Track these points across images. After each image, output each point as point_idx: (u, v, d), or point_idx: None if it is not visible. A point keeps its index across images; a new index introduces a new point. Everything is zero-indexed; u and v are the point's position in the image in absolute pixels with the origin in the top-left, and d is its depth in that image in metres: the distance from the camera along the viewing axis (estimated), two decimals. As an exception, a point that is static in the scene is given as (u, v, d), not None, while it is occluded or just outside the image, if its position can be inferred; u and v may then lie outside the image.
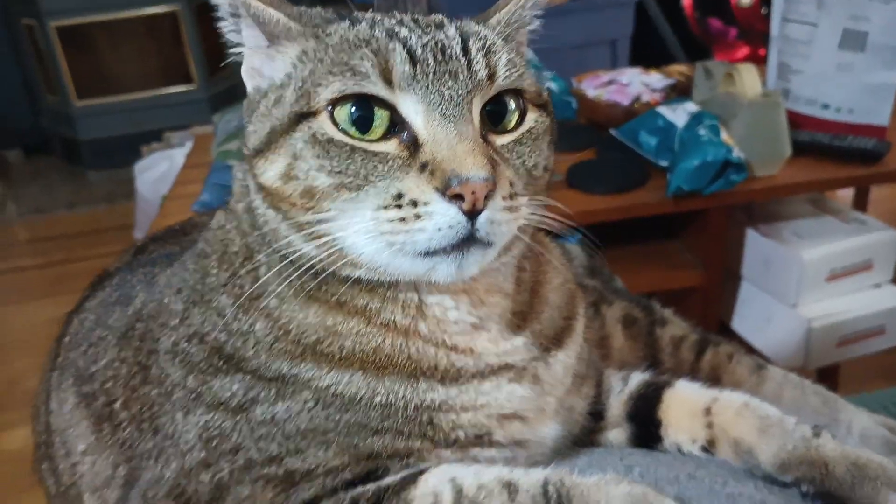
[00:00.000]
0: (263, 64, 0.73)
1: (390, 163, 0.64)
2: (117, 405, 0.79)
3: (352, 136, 0.65)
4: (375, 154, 0.65)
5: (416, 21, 0.71)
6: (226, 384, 0.70)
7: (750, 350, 1.16)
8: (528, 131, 0.72)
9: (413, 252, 0.64)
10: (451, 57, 0.66)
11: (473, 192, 0.62)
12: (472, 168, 0.62)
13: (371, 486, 0.67)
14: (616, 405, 0.87)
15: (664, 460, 0.76)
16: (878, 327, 2.14)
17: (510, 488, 0.65)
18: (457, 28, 0.70)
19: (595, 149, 2.10)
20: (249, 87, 0.75)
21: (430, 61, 0.66)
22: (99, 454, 0.79)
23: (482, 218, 0.63)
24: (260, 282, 0.72)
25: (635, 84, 2.28)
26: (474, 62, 0.67)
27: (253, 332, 0.71)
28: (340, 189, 0.64)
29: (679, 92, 2.27)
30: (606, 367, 0.92)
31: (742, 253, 2.17)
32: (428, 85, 0.65)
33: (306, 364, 0.70)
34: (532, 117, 0.73)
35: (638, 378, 0.89)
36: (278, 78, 0.71)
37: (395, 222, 0.63)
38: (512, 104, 0.71)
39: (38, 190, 4.83)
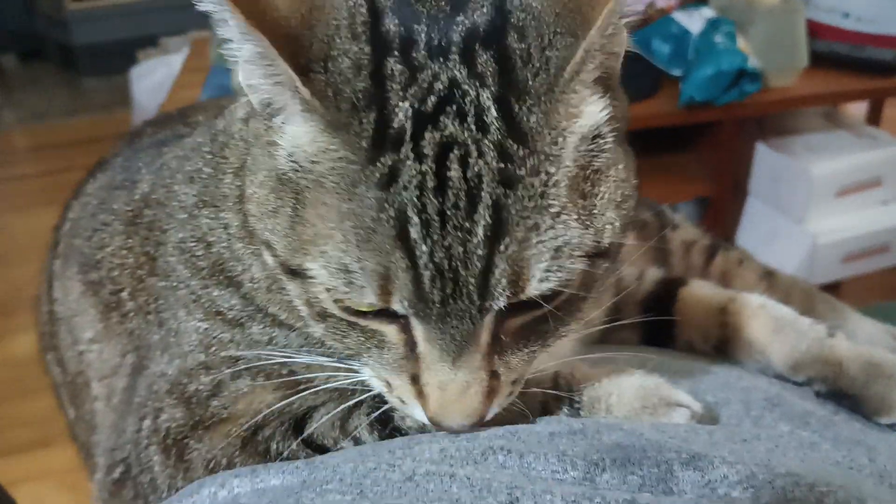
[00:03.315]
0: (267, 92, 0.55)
1: (385, 350, 0.56)
2: (124, 294, 0.77)
3: (350, 311, 0.54)
4: (373, 333, 0.56)
5: (442, 186, 0.49)
6: (224, 296, 0.68)
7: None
8: (562, 303, 0.55)
9: None
10: (462, 291, 0.50)
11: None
12: (457, 419, 0.54)
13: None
14: (631, 304, 0.86)
15: (677, 356, 0.75)
16: (884, 244, 2.13)
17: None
18: (492, 196, 0.49)
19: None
20: (255, 100, 0.56)
21: (436, 299, 0.50)
22: (107, 342, 0.78)
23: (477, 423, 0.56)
24: None
25: (650, -11, 2.20)
26: (494, 291, 0.50)
27: (250, 268, 0.67)
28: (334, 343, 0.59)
29: (696, -3, 2.20)
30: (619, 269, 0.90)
31: (750, 167, 2.15)
32: (431, 323, 0.52)
33: (300, 323, 0.66)
34: (578, 279, 0.54)
35: (653, 275, 0.87)
36: (286, 143, 0.54)
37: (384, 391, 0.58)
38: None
39: (35, 97, 4.74)
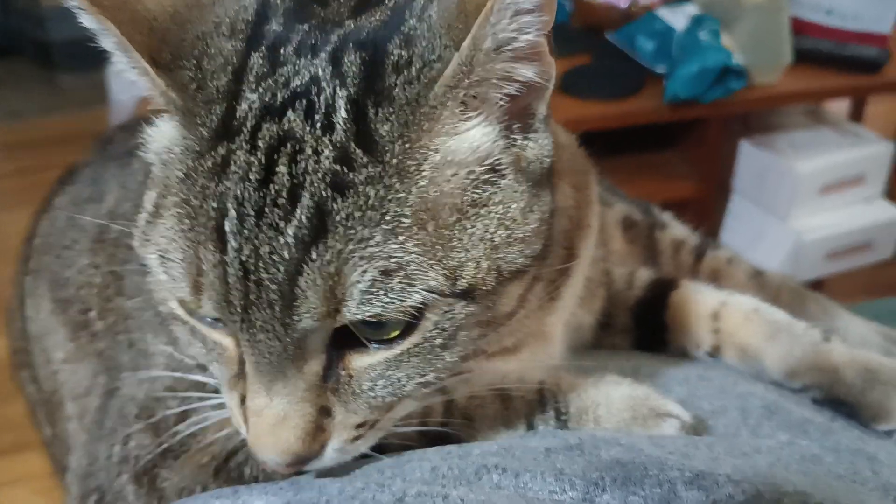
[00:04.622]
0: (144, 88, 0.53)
1: (224, 365, 0.52)
2: (92, 314, 0.75)
3: (191, 314, 0.51)
4: (214, 345, 0.52)
5: (267, 181, 0.46)
6: None
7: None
8: (415, 346, 0.49)
9: None
10: (264, 298, 0.46)
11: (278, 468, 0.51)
12: (269, 453, 0.49)
13: None
14: (623, 312, 0.84)
15: (672, 362, 0.74)
16: (867, 241, 2.14)
17: (503, 395, 0.62)
18: (314, 197, 0.45)
19: (590, 53, 2.03)
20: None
21: (238, 303, 0.46)
22: (78, 362, 0.76)
23: (312, 465, 0.51)
24: None
25: (634, -15, 2.19)
26: (301, 304, 0.45)
27: None
28: None
29: (680, -6, 2.19)
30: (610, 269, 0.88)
31: (734, 165, 2.14)
32: (240, 333, 0.48)
33: None
34: (431, 320, 0.48)
35: (643, 278, 0.86)
36: (156, 138, 0.53)
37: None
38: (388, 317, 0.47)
39: (11, 94, 4.66)
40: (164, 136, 0.52)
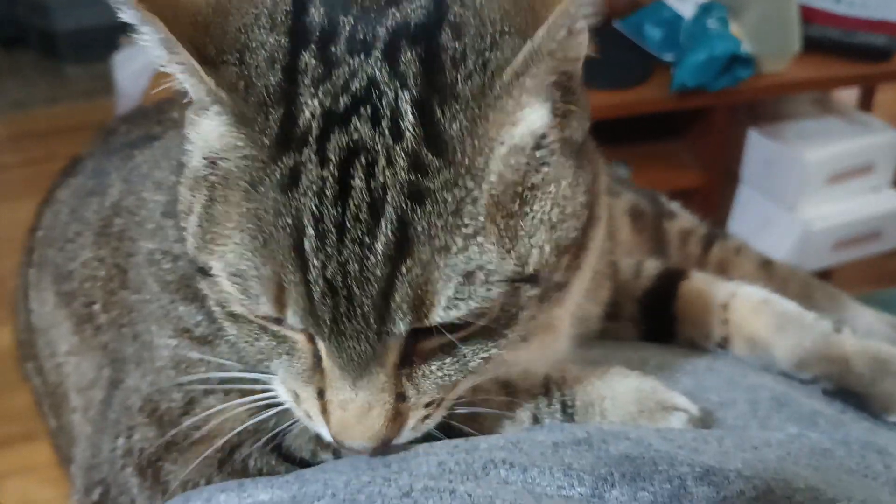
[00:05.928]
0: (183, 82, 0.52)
1: (295, 359, 0.53)
2: (97, 307, 0.74)
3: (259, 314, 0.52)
4: (284, 339, 0.53)
5: (344, 195, 0.45)
6: (191, 311, 0.65)
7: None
8: (482, 327, 0.50)
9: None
10: (357, 312, 0.46)
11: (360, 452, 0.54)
12: (358, 441, 0.51)
13: None
14: (630, 302, 0.83)
15: (679, 353, 0.73)
16: (874, 231, 2.12)
17: (508, 387, 0.61)
18: (396, 210, 0.45)
19: (596, 42, 2.01)
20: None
21: (327, 318, 0.47)
22: (83, 355, 0.76)
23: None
24: None
25: (641, -27, 2.18)
26: (393, 315, 0.46)
27: None
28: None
29: (687, -18, 2.17)
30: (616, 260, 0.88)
31: (742, 154, 2.13)
32: (327, 341, 0.49)
33: None
34: (499, 303, 0.50)
35: (651, 268, 0.85)
36: (198, 150, 0.53)
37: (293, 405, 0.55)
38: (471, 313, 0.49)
39: (16, 85, 4.67)
40: (211, 134, 0.51)
